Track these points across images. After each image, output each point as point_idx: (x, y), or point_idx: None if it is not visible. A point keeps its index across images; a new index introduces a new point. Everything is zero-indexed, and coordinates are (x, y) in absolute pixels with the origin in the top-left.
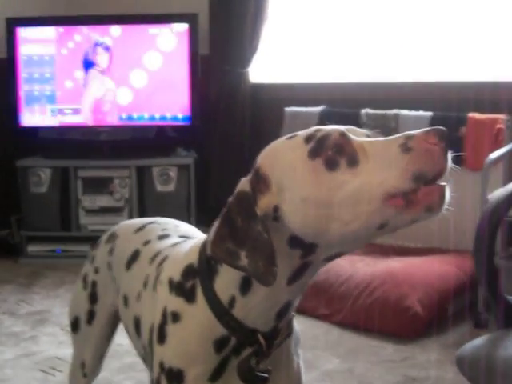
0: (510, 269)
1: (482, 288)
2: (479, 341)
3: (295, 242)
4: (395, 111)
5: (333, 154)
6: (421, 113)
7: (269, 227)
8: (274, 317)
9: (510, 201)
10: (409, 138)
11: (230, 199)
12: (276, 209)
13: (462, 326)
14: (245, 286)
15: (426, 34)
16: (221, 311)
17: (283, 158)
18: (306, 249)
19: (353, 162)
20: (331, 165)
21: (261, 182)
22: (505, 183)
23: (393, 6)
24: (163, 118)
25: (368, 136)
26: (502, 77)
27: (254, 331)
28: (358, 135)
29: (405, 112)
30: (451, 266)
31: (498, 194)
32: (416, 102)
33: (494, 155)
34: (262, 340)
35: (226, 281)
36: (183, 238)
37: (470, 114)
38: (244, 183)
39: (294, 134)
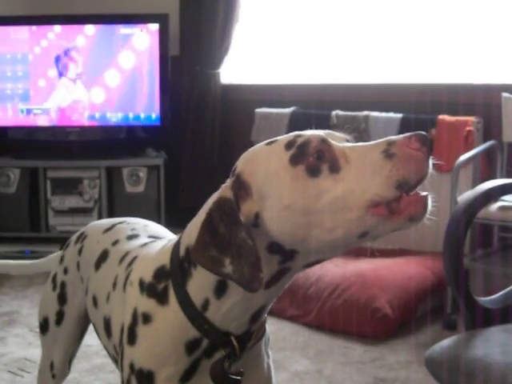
0: (478, 270)
1: (450, 289)
2: (448, 342)
3: (274, 248)
4: (365, 113)
5: (314, 161)
6: (391, 115)
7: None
8: (248, 320)
9: (480, 202)
10: (391, 143)
11: (211, 206)
12: (256, 216)
13: (430, 327)
14: (220, 290)
15: (397, 37)
16: (194, 314)
17: (264, 165)
18: (286, 255)
19: (335, 168)
20: (313, 171)
21: (242, 189)
22: (474, 185)
23: (364, 8)
24: (133, 118)
25: (347, 140)
26: (472, 79)
27: (227, 334)
28: (336, 140)
29: (375, 114)
30: (421, 268)
31: (467, 195)
32: (387, 104)
33: (463, 157)
34: (235, 343)
35: (200, 284)
36: (152, 238)
37: (440, 116)
38: (225, 190)
39: (273, 139)
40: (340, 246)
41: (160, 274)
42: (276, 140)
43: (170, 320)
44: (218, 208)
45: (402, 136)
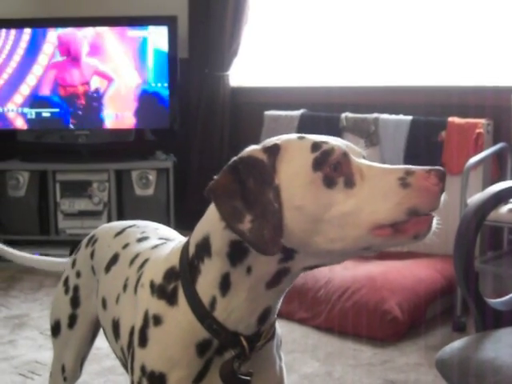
0: (488, 272)
1: (460, 291)
2: (458, 343)
3: None
4: (375, 115)
5: (331, 172)
6: (401, 117)
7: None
8: (256, 322)
9: (490, 205)
10: (409, 173)
11: (236, 159)
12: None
13: (440, 329)
14: (224, 286)
15: (407, 39)
16: (203, 313)
17: (292, 159)
18: (286, 253)
19: (349, 183)
20: (329, 182)
21: (277, 159)
22: (484, 187)
23: (373, 10)
24: (143, 121)
25: (364, 157)
26: (483, 81)
27: (237, 334)
28: (355, 154)
29: (385, 116)
30: (431, 270)
31: (477, 198)
32: (397, 106)
33: (473, 159)
34: (244, 343)
35: (208, 280)
36: (163, 240)
37: (450, 119)
38: (255, 151)
39: (303, 135)
40: (339, 255)
41: (170, 274)
42: (305, 137)
43: (179, 321)
44: (246, 163)
45: (421, 168)
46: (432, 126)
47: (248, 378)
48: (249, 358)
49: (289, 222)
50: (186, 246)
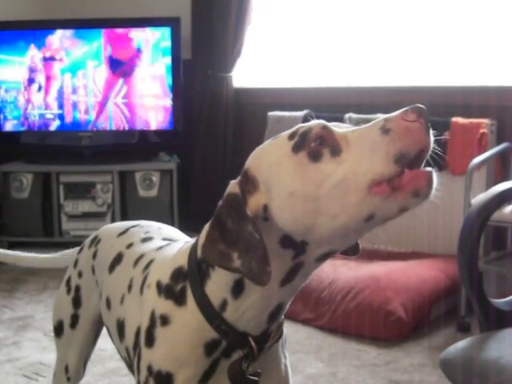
0: (492, 272)
1: (464, 292)
2: (462, 344)
3: (287, 241)
4: (379, 115)
5: (316, 146)
6: None
7: (260, 227)
8: (266, 319)
9: (494, 205)
10: (387, 119)
11: (220, 202)
12: (265, 208)
13: (444, 329)
14: (237, 290)
15: (410, 39)
16: (212, 314)
17: (269, 157)
18: (298, 248)
19: (336, 151)
20: (315, 156)
21: (249, 183)
22: (488, 187)
23: (377, 11)
24: (146, 122)
25: None
26: (486, 81)
27: (245, 335)
28: (340, 129)
29: None
30: (435, 271)
31: (481, 198)
32: (400, 106)
33: (477, 160)
34: (253, 343)
35: (219, 284)
36: (167, 240)
37: (454, 119)
38: (233, 185)
39: (278, 134)
40: (348, 232)
41: (177, 275)
42: (280, 134)
43: (187, 321)
44: (225, 204)
45: (398, 111)
46: (435, 126)
47: (256, 378)
48: (257, 358)
49: (289, 211)
50: (193, 248)
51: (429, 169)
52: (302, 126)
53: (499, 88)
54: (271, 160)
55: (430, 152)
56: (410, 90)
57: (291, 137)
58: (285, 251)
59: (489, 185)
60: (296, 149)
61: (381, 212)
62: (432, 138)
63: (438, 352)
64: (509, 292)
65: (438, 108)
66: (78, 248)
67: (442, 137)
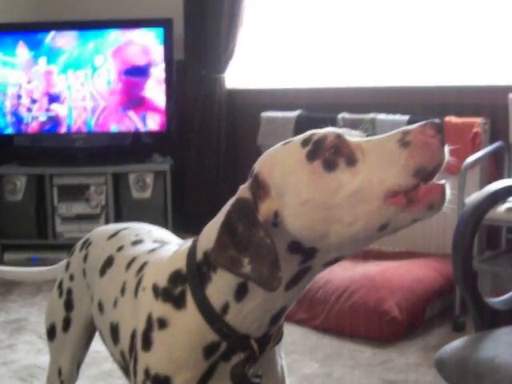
0: (486, 272)
1: (459, 291)
2: (457, 343)
3: (295, 247)
4: (372, 115)
5: (331, 155)
6: (397, 117)
7: (271, 233)
8: (269, 322)
9: (488, 204)
10: (406, 132)
11: (229, 207)
12: (276, 214)
13: (439, 329)
14: (240, 293)
15: (403, 39)
16: (213, 317)
17: (281, 164)
18: (306, 254)
19: (351, 161)
20: (330, 166)
21: (260, 189)
22: (482, 186)
23: (370, 11)
24: (139, 123)
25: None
26: (479, 81)
27: (247, 337)
28: (352, 136)
29: (382, 116)
30: (429, 270)
31: (475, 197)
32: (393, 106)
33: (470, 159)
34: (255, 346)
35: (220, 288)
36: (158, 242)
37: (447, 118)
38: (243, 190)
39: (289, 139)
40: (360, 239)
41: (176, 278)
42: (292, 140)
43: (187, 324)
44: (236, 209)
45: (416, 124)
46: None
47: (258, 380)
48: (258, 359)
49: (302, 219)
50: (192, 250)
51: (443, 181)
52: (314, 134)
53: (492, 87)
54: (284, 167)
55: (444, 166)
56: (404, 89)
57: (304, 144)
58: (292, 256)
59: (482, 184)
60: (310, 157)
61: (394, 222)
62: (447, 154)
63: (433, 351)
64: (503, 291)
65: (431, 107)
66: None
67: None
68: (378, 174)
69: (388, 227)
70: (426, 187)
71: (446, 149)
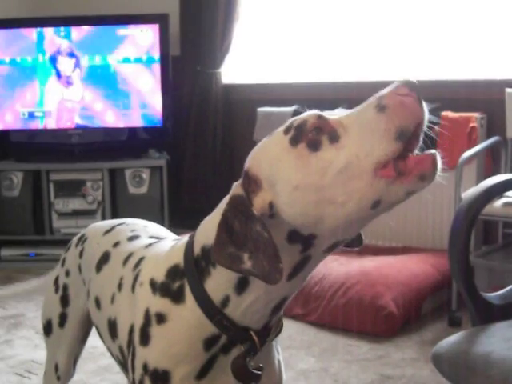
0: (483, 267)
1: (455, 286)
2: (454, 338)
3: (294, 236)
4: None
5: (313, 136)
6: None
7: (267, 225)
8: (270, 312)
9: (484, 199)
10: (381, 97)
11: (225, 206)
12: (271, 205)
13: (435, 324)
14: (241, 286)
15: (399, 34)
16: (212, 311)
17: (268, 154)
18: (305, 242)
19: (334, 137)
20: (314, 146)
21: (252, 183)
22: (478, 181)
23: (365, 6)
24: (135, 119)
25: None
26: (475, 75)
27: (247, 329)
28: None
29: None
30: (425, 265)
31: (471, 192)
32: None
33: (467, 154)
34: (255, 337)
35: (220, 282)
36: (154, 238)
37: (444, 113)
38: (236, 188)
39: (273, 132)
40: (354, 220)
41: (174, 273)
42: (275, 131)
43: (186, 318)
44: (231, 206)
45: (388, 87)
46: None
47: (260, 372)
48: (258, 351)
49: (295, 205)
50: (189, 245)
51: (432, 151)
52: (295, 120)
53: (489, 82)
54: (271, 157)
55: (425, 126)
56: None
57: (286, 131)
58: (292, 246)
59: (479, 179)
60: (294, 142)
61: (388, 197)
62: (426, 111)
63: (430, 346)
64: (500, 286)
65: (428, 102)
66: None
67: (435, 126)
68: (362, 146)
69: (381, 203)
70: (415, 158)
71: (424, 105)
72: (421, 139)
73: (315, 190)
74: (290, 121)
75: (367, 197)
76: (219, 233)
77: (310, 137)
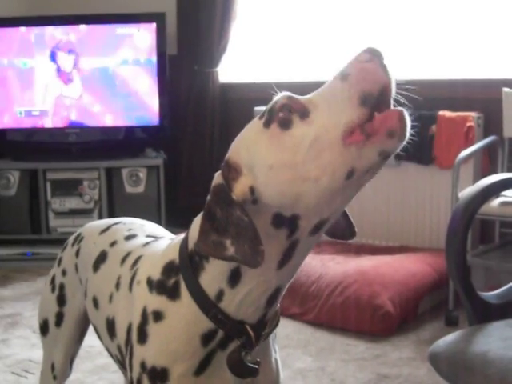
0: (479, 266)
1: (452, 285)
2: (451, 337)
3: (278, 220)
4: None
5: (284, 115)
6: None
7: (248, 210)
8: (265, 304)
9: (481, 198)
10: (344, 67)
11: (208, 197)
12: (252, 190)
13: (432, 323)
14: (234, 279)
15: (396, 33)
16: (208, 305)
17: (245, 140)
18: (290, 225)
19: (304, 114)
20: (285, 124)
21: (232, 171)
22: (475, 181)
23: (363, 4)
24: (132, 118)
25: None
26: (472, 74)
27: (242, 323)
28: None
29: None
30: (422, 264)
31: (468, 191)
32: None
33: (464, 153)
34: (250, 331)
35: (214, 275)
36: (151, 237)
37: (441, 112)
38: (217, 177)
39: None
40: (333, 193)
41: (169, 269)
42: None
43: (183, 314)
44: (212, 195)
45: (352, 57)
46: (422, 120)
47: (256, 366)
48: (255, 346)
49: (272, 185)
50: (184, 241)
51: (398, 108)
52: (268, 104)
53: (485, 81)
54: (248, 142)
55: (393, 91)
56: (396, 83)
57: (261, 116)
58: (278, 232)
59: (476, 178)
60: (267, 124)
61: (360, 163)
62: (391, 76)
63: (427, 346)
64: (496, 285)
65: (425, 101)
66: None
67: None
68: (330, 118)
69: (356, 172)
70: (380, 116)
71: (390, 70)
72: (391, 104)
73: (289, 167)
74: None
75: (340, 167)
76: (203, 222)
77: (281, 116)
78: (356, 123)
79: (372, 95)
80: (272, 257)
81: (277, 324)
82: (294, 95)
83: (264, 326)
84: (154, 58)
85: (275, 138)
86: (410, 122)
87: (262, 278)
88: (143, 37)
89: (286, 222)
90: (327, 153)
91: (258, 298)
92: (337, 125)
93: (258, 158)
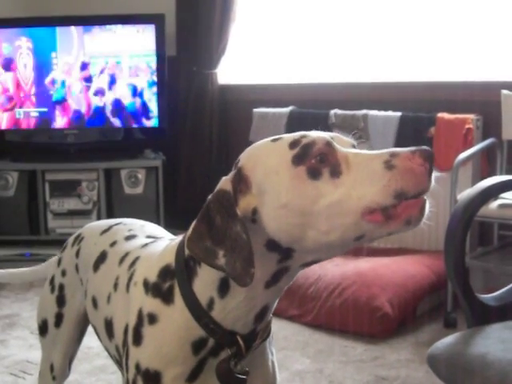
0: (479, 268)
1: (451, 287)
2: (450, 339)
3: (273, 245)
4: (364, 112)
5: (316, 163)
6: (389, 113)
7: (247, 228)
8: (253, 320)
9: (480, 200)
10: (393, 155)
11: (210, 197)
12: (254, 211)
13: (431, 325)
14: (223, 289)
15: (395, 35)
16: (200, 313)
17: (266, 161)
18: (283, 253)
19: (335, 172)
20: (314, 174)
21: (242, 183)
22: (474, 183)
23: (362, 7)
24: (131, 119)
25: (353, 146)
26: (471, 77)
27: (233, 333)
28: (342, 144)
29: (373, 112)
30: (421, 266)
31: (467, 193)
32: (385, 102)
33: (463, 155)
34: (241, 342)
35: (205, 282)
36: (151, 238)
37: (440, 114)
38: (225, 182)
39: (278, 136)
40: (336, 247)
41: (165, 273)
42: (281, 138)
43: (175, 319)
44: (216, 200)
45: (406, 149)
46: (421, 122)
47: (244, 377)
48: (245, 356)
49: (279, 221)
50: (181, 245)
51: (424, 197)
52: (304, 136)
53: (484, 83)
54: (268, 165)
55: (427, 193)
56: (395, 85)
57: (292, 145)
58: (270, 254)
59: (475, 180)
60: (296, 161)
61: (370, 235)
62: (433, 182)
63: (425, 348)
64: (495, 287)
65: (423, 104)
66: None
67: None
68: (357, 190)
69: (364, 238)
70: (405, 203)
71: (433, 177)
72: (420, 199)
73: (301, 214)
74: (299, 134)
75: (350, 233)
76: (199, 223)
77: (313, 163)
78: (380, 207)
79: (407, 194)
80: (260, 276)
81: (267, 335)
82: (332, 143)
83: (255, 337)
84: (153, 60)
85: (299, 181)
86: (428, 210)
87: (249, 295)
88: (142, 38)
89: (280, 250)
90: (343, 218)
91: (246, 313)
92: (362, 198)
93: (274, 190)
